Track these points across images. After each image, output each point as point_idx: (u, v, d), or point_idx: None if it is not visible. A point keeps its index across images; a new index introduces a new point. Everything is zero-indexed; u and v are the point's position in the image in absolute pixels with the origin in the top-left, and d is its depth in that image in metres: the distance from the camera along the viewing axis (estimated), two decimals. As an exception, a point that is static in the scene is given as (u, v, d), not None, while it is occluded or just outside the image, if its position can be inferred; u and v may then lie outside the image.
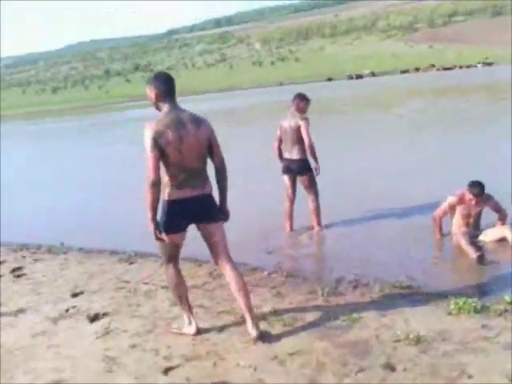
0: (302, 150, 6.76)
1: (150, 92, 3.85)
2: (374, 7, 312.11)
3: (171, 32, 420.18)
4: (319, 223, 6.99)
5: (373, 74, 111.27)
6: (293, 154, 6.80)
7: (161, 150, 3.65)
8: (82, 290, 5.26)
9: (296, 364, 3.59)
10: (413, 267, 5.42)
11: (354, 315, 4.25)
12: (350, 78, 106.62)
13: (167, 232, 3.80)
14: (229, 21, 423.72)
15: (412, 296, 4.63)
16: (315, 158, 6.74)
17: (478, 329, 3.88)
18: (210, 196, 3.96)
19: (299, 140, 6.70)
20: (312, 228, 7.01)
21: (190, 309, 4.19)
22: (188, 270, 5.73)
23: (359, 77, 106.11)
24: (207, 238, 4.06)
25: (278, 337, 4.00)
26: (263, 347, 3.85)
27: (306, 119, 6.72)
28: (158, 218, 3.79)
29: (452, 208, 6.10)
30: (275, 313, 4.45)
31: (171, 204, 3.81)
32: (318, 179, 6.90)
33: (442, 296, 4.51)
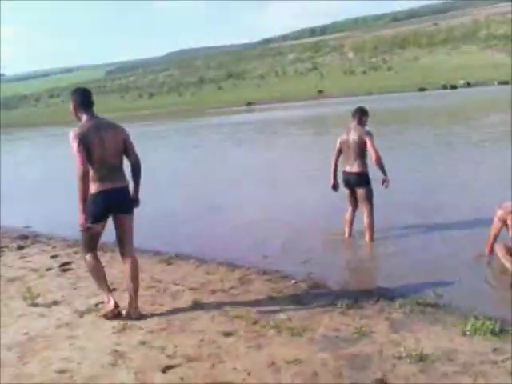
0: (363, 164, 6.86)
1: (71, 104, 4.57)
2: (477, 15, 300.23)
3: (266, 41, 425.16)
4: (371, 238, 6.92)
5: (468, 85, 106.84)
6: (353, 167, 6.88)
7: (86, 149, 4.29)
8: (116, 287, 5.51)
9: (290, 372, 3.60)
10: (444, 284, 5.24)
11: (365, 329, 4.20)
12: (444, 88, 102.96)
13: (92, 222, 4.38)
14: (324, 30, 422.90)
15: (433, 314, 4.49)
16: (384, 171, 6.77)
17: (487, 352, 3.71)
18: (126, 188, 4.61)
19: (361, 153, 6.82)
20: (364, 241, 6.97)
21: (108, 289, 4.74)
22: (220, 274, 5.90)
23: (453, 87, 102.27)
24: (119, 228, 4.63)
25: (282, 344, 4.02)
26: (264, 354, 3.89)
27: (370, 133, 6.83)
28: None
29: (504, 222, 5.80)
30: (289, 321, 4.47)
31: (95, 196, 4.40)
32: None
33: (463, 316, 4.34)
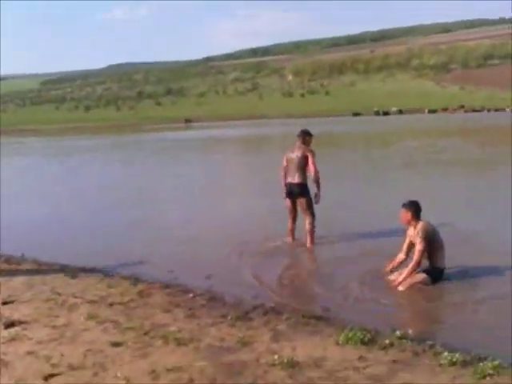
0: (304, 176, 7.68)
1: None
2: (411, 45, 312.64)
3: (208, 59, 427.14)
4: (312, 242, 7.69)
5: (400, 112, 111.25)
6: (295, 178, 7.66)
7: None
8: (14, 299, 5.54)
9: (168, 379, 3.78)
10: (332, 297, 5.59)
11: (248, 339, 4.44)
12: (377, 114, 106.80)
13: None
14: (265, 51, 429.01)
15: (314, 326, 4.78)
16: (319, 187, 7.63)
17: (353, 359, 4.02)
18: None
19: (303, 167, 7.65)
20: (305, 245, 7.72)
21: None
22: (122, 288, 6.02)
23: (386, 113, 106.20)
24: None
25: (166, 353, 4.21)
26: (147, 362, 4.06)
27: (313, 152, 7.71)
28: None
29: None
30: (178, 332, 4.65)
31: None
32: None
33: (341, 327, 4.65)
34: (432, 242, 5.90)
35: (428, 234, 5.90)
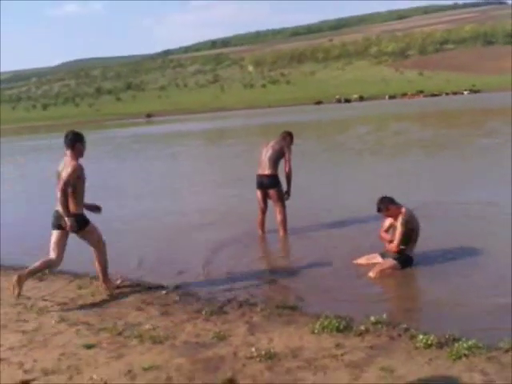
0: (275, 169, 7.67)
1: None
2: (368, 33, 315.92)
3: (166, 52, 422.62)
4: (285, 232, 7.72)
5: (361, 99, 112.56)
6: (265, 170, 7.67)
7: None
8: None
9: (146, 379, 3.74)
10: (305, 287, 5.61)
11: (224, 333, 4.41)
12: (339, 101, 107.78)
13: None
14: (225, 43, 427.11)
15: (289, 316, 4.79)
16: (290, 183, 7.68)
17: (330, 347, 4.04)
18: None
19: (275, 160, 7.66)
20: (278, 235, 7.73)
21: None
22: (93, 289, 5.91)
23: (347, 101, 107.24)
24: None
25: (142, 352, 4.15)
26: (123, 362, 4.00)
27: (290, 149, 7.76)
28: None
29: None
30: (153, 330, 4.59)
31: None
32: None
33: (316, 316, 4.67)
34: (410, 230, 5.97)
35: (408, 220, 5.97)
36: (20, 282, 5.42)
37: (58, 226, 5.45)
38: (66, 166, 5.39)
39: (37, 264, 5.54)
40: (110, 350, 4.24)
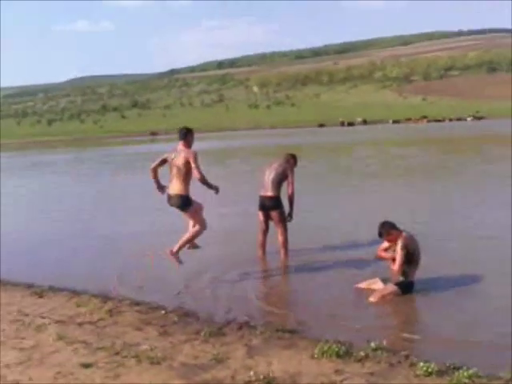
0: (277, 190, 7.70)
1: None
2: (373, 57, 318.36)
3: (173, 71, 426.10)
4: (286, 254, 7.74)
5: (364, 122, 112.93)
6: (268, 191, 7.68)
7: None
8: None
9: (142, 400, 3.70)
10: (306, 311, 5.57)
11: (222, 356, 4.37)
12: (342, 124, 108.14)
13: None
14: (231, 63, 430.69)
15: (289, 339, 4.75)
16: (292, 206, 7.71)
17: (330, 373, 4.00)
18: None
19: (278, 182, 7.70)
20: (277, 258, 7.74)
21: None
22: (91, 306, 5.88)
23: (351, 124, 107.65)
24: None
25: (140, 373, 4.11)
26: (120, 383, 3.96)
27: (293, 171, 7.84)
28: None
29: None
30: (151, 350, 4.55)
31: None
32: None
33: (315, 340, 4.63)
34: (411, 254, 5.95)
35: (408, 244, 5.95)
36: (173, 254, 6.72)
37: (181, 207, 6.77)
38: (179, 153, 6.69)
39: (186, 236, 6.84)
40: (107, 369, 4.20)
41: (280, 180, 7.71)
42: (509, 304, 5.39)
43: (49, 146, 73.93)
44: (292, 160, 7.95)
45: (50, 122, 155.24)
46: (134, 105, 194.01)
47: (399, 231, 6.05)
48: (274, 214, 7.68)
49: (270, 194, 7.66)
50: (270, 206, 7.70)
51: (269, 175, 7.74)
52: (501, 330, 4.77)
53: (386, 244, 6.21)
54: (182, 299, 6.11)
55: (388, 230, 6.07)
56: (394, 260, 6.02)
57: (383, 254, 6.23)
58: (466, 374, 3.73)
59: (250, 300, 6.10)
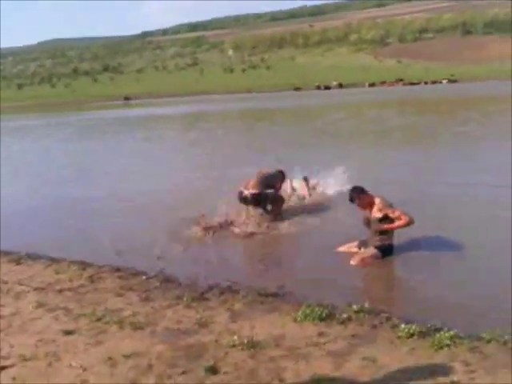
0: (261, 190, 7.65)
1: None
2: (349, 19, 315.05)
3: (145, 34, 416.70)
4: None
5: (340, 86, 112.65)
6: (250, 189, 7.58)
7: None
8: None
9: (126, 366, 3.69)
10: (287, 275, 5.59)
11: (205, 320, 4.37)
12: (318, 88, 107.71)
13: None
14: (204, 26, 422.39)
15: (271, 303, 4.76)
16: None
17: (313, 336, 4.03)
18: None
19: (264, 186, 7.72)
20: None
21: None
22: (70, 273, 5.82)
23: (327, 88, 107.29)
24: None
25: (122, 339, 4.09)
26: (103, 349, 3.94)
27: (281, 184, 8.12)
28: None
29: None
30: (133, 316, 4.54)
31: None
32: None
33: (298, 304, 4.65)
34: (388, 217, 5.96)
35: (388, 203, 5.97)
36: None
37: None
38: None
39: None
40: (89, 336, 4.18)
41: (266, 186, 7.77)
42: (492, 264, 5.47)
43: (21, 111, 72.27)
44: (281, 175, 8.15)
45: (20, 87, 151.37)
46: (106, 68, 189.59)
47: (370, 196, 6.06)
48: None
49: (252, 190, 7.60)
50: (254, 202, 7.69)
51: (257, 176, 7.82)
52: (483, 291, 4.85)
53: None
54: (163, 264, 6.06)
55: (358, 193, 6.06)
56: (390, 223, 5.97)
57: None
58: (447, 335, 3.79)
59: (231, 265, 6.10)
